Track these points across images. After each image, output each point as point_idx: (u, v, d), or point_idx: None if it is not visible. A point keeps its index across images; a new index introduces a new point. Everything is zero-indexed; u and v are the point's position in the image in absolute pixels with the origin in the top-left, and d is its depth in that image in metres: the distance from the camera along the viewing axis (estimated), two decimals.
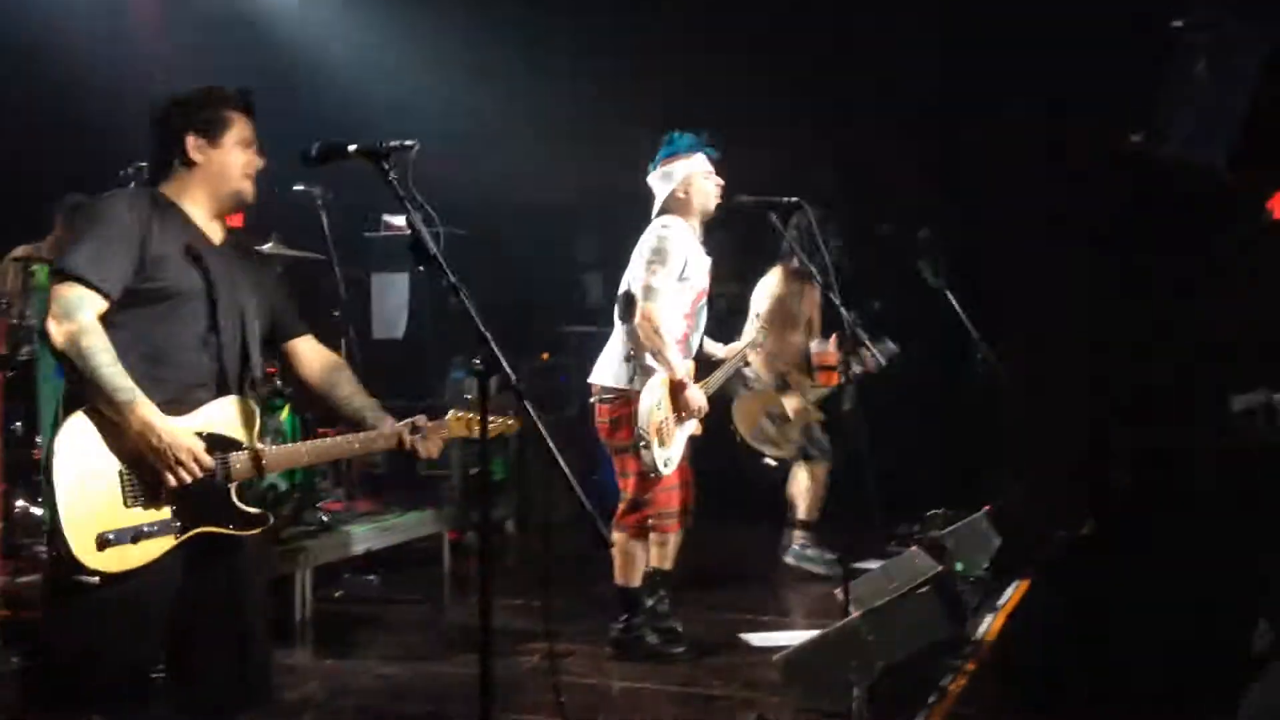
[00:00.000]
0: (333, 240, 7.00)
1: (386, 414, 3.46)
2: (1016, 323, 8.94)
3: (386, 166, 3.09)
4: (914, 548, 5.93)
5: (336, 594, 6.54)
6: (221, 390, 3.22)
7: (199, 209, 3.31)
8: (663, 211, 5.39)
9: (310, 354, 3.56)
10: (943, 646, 4.78)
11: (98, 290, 3.04)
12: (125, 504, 3.04)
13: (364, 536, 6.50)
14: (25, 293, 5.70)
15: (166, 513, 3.10)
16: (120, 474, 3.05)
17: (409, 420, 3.42)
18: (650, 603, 5.44)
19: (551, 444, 2.90)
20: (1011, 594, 6.13)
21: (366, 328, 7.72)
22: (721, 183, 5.42)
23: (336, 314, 7.10)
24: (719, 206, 5.44)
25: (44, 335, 3.05)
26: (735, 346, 5.89)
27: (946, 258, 6.82)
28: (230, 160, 3.30)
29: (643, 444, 5.12)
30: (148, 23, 8.76)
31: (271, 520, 3.29)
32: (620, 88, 9.99)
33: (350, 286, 7.27)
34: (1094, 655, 6.03)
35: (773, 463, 7.23)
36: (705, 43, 9.85)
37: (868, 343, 5.61)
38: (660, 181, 5.40)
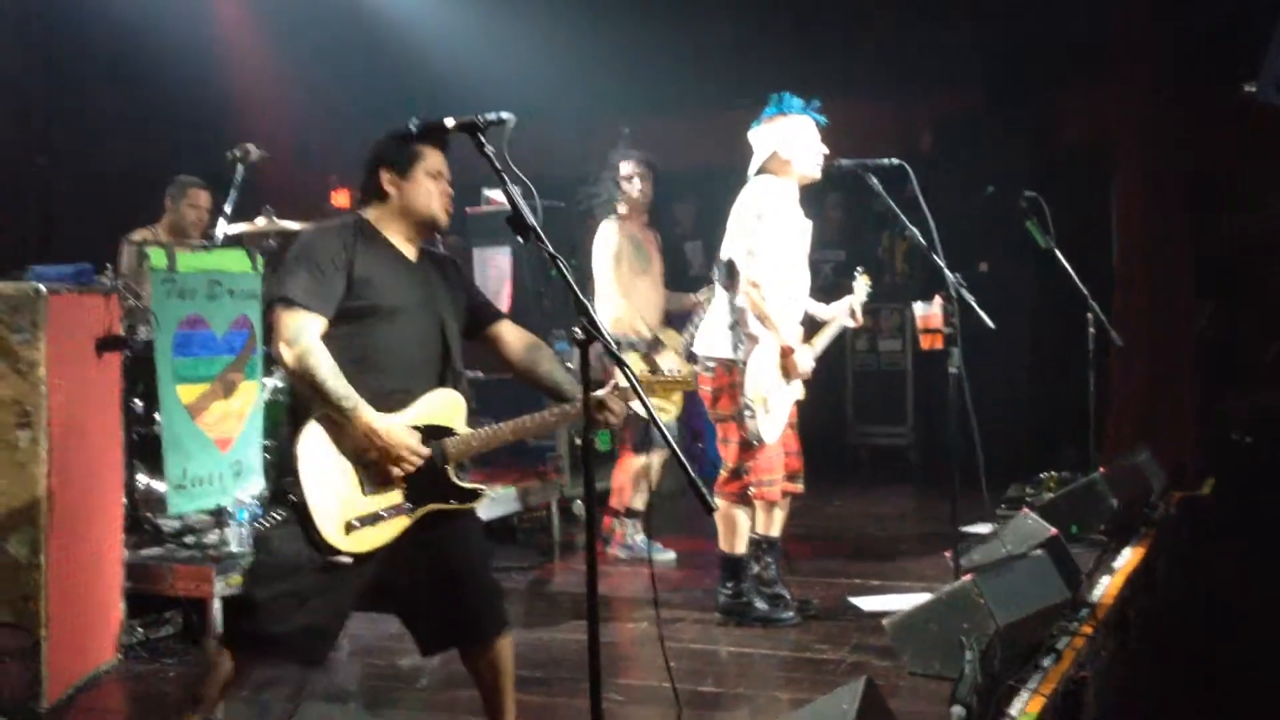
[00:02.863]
0: None
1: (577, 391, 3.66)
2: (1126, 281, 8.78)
3: (483, 140, 3.12)
4: (1025, 510, 5.85)
5: None
6: (427, 385, 3.57)
7: (396, 233, 3.64)
8: (761, 171, 5.34)
9: (511, 335, 3.84)
10: (1057, 610, 4.72)
11: (317, 313, 3.41)
12: (363, 493, 3.45)
13: None
14: (142, 275, 5.85)
15: (398, 497, 3.50)
16: (355, 468, 3.44)
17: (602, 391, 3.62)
18: (756, 569, 5.44)
19: (654, 414, 2.91)
20: (1129, 556, 6.02)
21: None
22: (826, 150, 5.35)
23: None
24: (820, 169, 5.38)
25: (272, 359, 3.51)
26: (840, 305, 5.81)
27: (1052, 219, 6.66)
28: (420, 191, 3.60)
29: (748, 414, 5.11)
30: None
31: (485, 491, 3.70)
32: (720, 57, 9.95)
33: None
34: (1212, 616, 5.92)
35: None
36: (805, 8, 9.77)
37: (974, 304, 5.51)
38: (763, 139, 5.32)
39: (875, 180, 5.66)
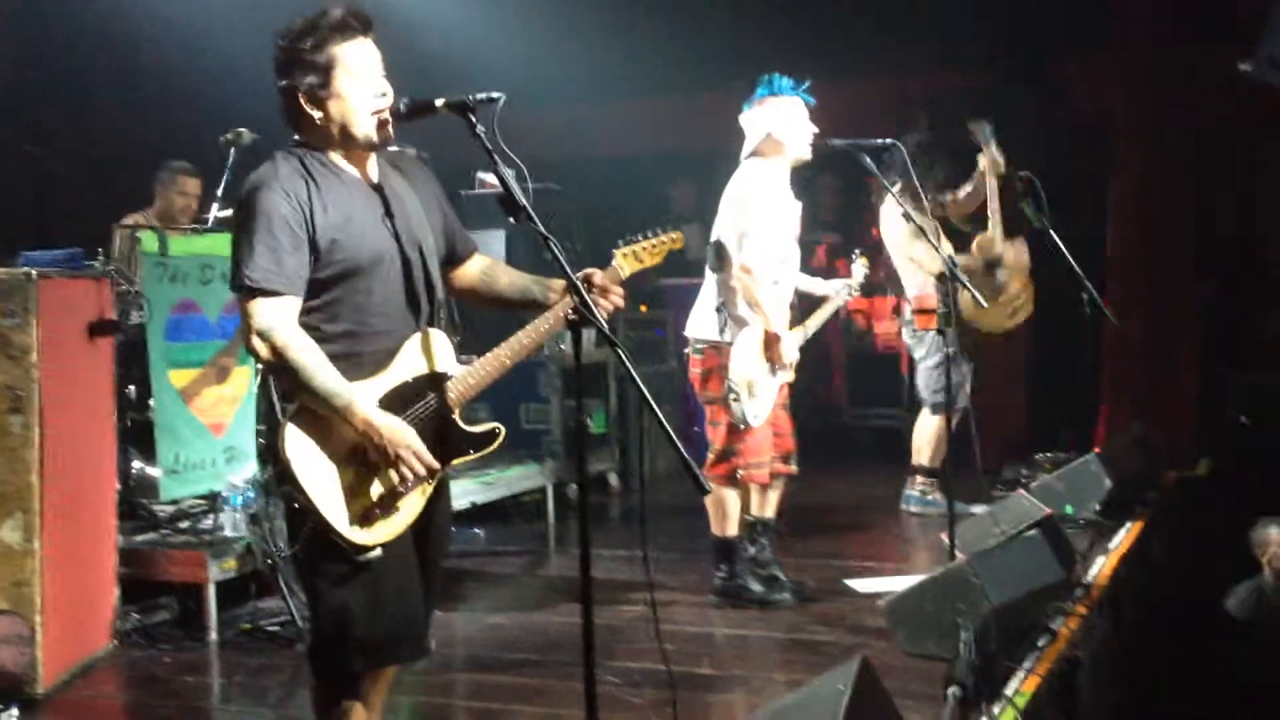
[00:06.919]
0: None
1: (548, 282, 3.34)
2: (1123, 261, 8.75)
3: (474, 120, 3.05)
4: (1021, 491, 5.85)
5: None
6: (411, 329, 3.11)
7: (342, 157, 3.10)
8: (753, 154, 5.33)
9: (474, 264, 3.44)
10: (1052, 590, 4.72)
11: (288, 294, 2.94)
12: (368, 477, 3.00)
13: (468, 490, 6.58)
14: (134, 259, 5.83)
15: None
16: (355, 453, 2.98)
17: (581, 278, 3.09)
18: (750, 551, 5.44)
19: (649, 396, 2.88)
20: (1124, 537, 6.02)
21: None
22: (816, 130, 5.33)
23: None
24: (813, 149, 5.36)
25: (250, 352, 2.97)
26: (836, 284, 5.78)
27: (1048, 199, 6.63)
28: (346, 107, 3.03)
29: (732, 396, 5.11)
30: None
31: (500, 429, 3.17)
32: (718, 35, 9.91)
33: None
34: (1206, 597, 5.92)
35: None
36: None
37: (967, 284, 5.49)
38: (755, 122, 5.30)
39: (870, 160, 5.65)
